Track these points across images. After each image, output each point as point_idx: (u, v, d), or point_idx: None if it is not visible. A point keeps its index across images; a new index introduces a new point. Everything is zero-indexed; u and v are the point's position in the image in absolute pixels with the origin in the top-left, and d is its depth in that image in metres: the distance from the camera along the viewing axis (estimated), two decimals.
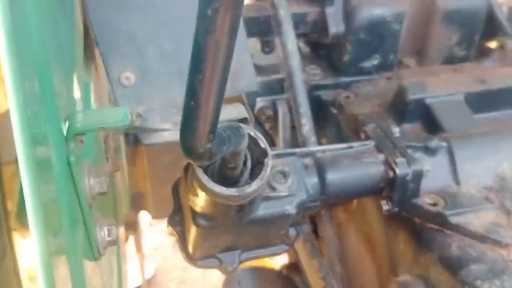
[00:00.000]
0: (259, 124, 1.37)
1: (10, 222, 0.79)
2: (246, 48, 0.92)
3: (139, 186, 1.54)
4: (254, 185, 0.69)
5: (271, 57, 1.29)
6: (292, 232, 0.92)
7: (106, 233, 0.54)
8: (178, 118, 0.82)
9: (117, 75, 0.77)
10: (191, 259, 0.92)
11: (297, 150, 0.86)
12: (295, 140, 1.19)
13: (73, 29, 0.66)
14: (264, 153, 0.71)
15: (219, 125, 0.51)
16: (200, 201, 0.75)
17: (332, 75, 1.24)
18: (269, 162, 0.71)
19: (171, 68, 0.80)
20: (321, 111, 1.22)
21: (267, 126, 1.36)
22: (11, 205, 0.84)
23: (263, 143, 0.71)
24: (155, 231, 2.78)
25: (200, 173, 0.66)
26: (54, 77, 0.44)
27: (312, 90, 1.23)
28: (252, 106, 1.31)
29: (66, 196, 0.44)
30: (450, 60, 1.26)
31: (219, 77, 0.43)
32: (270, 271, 1.40)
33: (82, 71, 0.69)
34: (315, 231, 1.14)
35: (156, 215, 1.65)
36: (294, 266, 1.37)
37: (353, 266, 1.13)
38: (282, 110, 1.29)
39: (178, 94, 0.82)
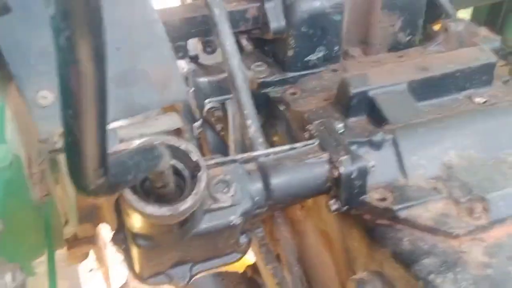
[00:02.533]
0: (209, 126, 1.34)
1: None
2: (172, 56, 0.88)
3: (91, 200, 1.48)
4: (188, 202, 0.65)
5: (217, 56, 1.25)
6: (243, 239, 0.89)
7: (11, 278, 0.49)
8: None
9: (33, 96, 0.72)
10: (139, 278, 0.88)
11: (238, 156, 0.82)
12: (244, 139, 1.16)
13: None
14: (197, 167, 0.68)
15: (127, 151, 0.48)
16: (135, 221, 0.71)
17: (279, 71, 1.20)
18: (203, 176, 0.68)
19: None
20: (270, 108, 1.19)
21: (218, 127, 1.33)
22: None
23: (194, 155, 0.68)
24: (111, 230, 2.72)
25: (127, 193, 0.62)
26: None
27: (260, 88, 1.19)
28: (201, 107, 1.27)
29: None
30: (396, 46, 1.24)
31: (94, 109, 0.39)
32: (233, 274, 1.37)
33: None
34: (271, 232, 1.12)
35: (114, 226, 1.60)
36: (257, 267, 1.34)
37: (313, 265, 1.11)
38: (231, 110, 1.26)
39: None
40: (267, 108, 1.19)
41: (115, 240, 0.87)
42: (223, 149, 1.34)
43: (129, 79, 0.76)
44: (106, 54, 0.37)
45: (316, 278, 1.10)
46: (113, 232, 0.86)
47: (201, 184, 0.67)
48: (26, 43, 0.69)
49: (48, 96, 0.72)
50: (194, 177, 0.68)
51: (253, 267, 1.37)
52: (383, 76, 0.98)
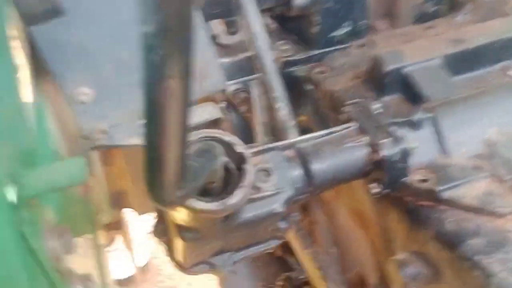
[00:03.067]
0: (233, 108, 1.32)
1: None
2: (209, 45, 0.86)
3: (119, 185, 1.49)
4: (237, 196, 0.65)
5: (238, 35, 1.22)
6: (282, 225, 0.89)
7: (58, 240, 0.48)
8: None
9: (73, 92, 0.71)
10: (181, 267, 0.89)
11: (277, 144, 0.81)
12: (273, 122, 1.14)
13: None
14: (242, 159, 0.67)
15: (192, 156, 0.46)
16: (182, 216, 0.70)
17: (303, 49, 1.17)
18: (249, 167, 0.66)
19: (131, 78, 0.73)
20: (295, 88, 1.17)
21: (242, 109, 1.30)
22: None
23: (239, 148, 0.67)
24: (144, 218, 2.75)
25: None
26: None
27: (284, 67, 1.17)
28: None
29: (18, 264, 0.39)
30: (422, 17, 1.20)
31: (180, 126, 0.37)
32: (264, 254, 1.38)
33: (31, 93, 0.62)
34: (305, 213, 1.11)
35: (140, 211, 1.60)
36: (287, 247, 1.35)
37: (347, 244, 1.11)
38: (256, 91, 1.23)
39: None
40: (292, 87, 1.17)
41: (156, 232, 0.86)
42: (247, 131, 1.32)
43: None
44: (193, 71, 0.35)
45: (351, 258, 1.10)
46: (153, 224, 0.86)
47: (248, 177, 0.66)
48: (64, 41, 0.67)
49: (88, 92, 0.71)
50: (239, 169, 0.67)
51: (283, 247, 1.37)
52: (417, 52, 0.95)
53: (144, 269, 2.61)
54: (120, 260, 2.31)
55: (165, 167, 0.40)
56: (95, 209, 1.06)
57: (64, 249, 0.46)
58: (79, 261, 0.68)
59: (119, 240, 1.81)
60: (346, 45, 1.15)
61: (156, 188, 0.43)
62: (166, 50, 0.31)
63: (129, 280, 2.39)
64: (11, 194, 0.38)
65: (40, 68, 0.67)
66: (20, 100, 0.53)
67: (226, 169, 0.67)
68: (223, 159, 0.59)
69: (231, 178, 0.67)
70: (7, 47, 0.55)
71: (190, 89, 0.36)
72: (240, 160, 0.67)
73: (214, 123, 0.91)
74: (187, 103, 0.37)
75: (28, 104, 0.57)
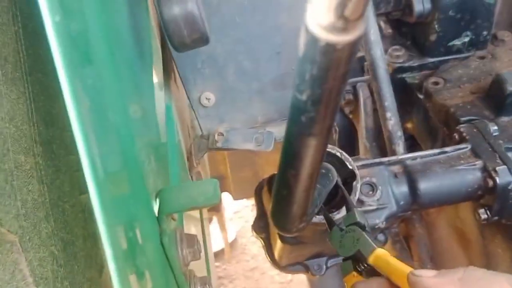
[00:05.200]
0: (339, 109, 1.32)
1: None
2: None
3: (220, 170, 1.56)
4: (343, 212, 0.66)
5: None
6: (380, 237, 0.89)
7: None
8: (259, 136, 0.80)
9: (198, 96, 0.76)
10: (277, 265, 0.92)
11: (384, 159, 0.81)
12: (378, 125, 1.13)
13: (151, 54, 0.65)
14: (352, 175, 0.68)
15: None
16: None
17: (418, 56, 1.14)
18: (358, 184, 0.68)
19: (251, 86, 0.77)
20: (406, 95, 1.14)
21: (347, 110, 1.30)
22: None
23: (350, 164, 0.68)
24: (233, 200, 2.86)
25: None
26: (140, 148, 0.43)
27: (396, 72, 1.15)
28: None
29: (158, 267, 0.44)
30: None
31: (312, 174, 0.40)
32: None
33: (163, 95, 0.68)
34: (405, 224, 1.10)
35: (236, 196, 1.67)
36: None
37: (444, 260, 1.08)
38: (363, 94, 1.22)
39: (259, 111, 0.79)
40: (401, 94, 1.14)
41: (256, 228, 0.90)
42: (350, 132, 1.32)
43: (286, 83, 0.76)
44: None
45: None
46: (254, 220, 0.90)
47: (356, 193, 0.67)
48: (195, 50, 0.72)
49: (211, 97, 0.75)
50: (346, 183, 0.68)
51: None
52: None
53: (232, 245, 2.72)
54: (213, 237, 2.43)
55: (293, 204, 0.43)
56: None
57: (192, 257, 0.51)
58: (197, 264, 0.74)
59: (215, 220, 1.90)
60: (465, 55, 1.11)
61: (283, 220, 0.46)
62: (313, 115, 0.33)
63: (218, 255, 2.50)
64: (156, 208, 0.43)
65: (169, 68, 0.73)
66: (155, 102, 0.58)
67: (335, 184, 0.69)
68: (337, 180, 0.61)
69: (337, 192, 0.69)
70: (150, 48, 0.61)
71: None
72: (349, 175, 0.68)
73: None
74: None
75: (161, 105, 0.62)
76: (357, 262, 0.57)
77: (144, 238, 0.40)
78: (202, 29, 0.52)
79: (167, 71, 0.71)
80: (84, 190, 0.75)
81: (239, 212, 2.97)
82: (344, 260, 0.58)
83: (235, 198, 1.64)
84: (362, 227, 0.58)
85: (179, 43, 0.53)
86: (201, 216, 1.01)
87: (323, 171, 0.57)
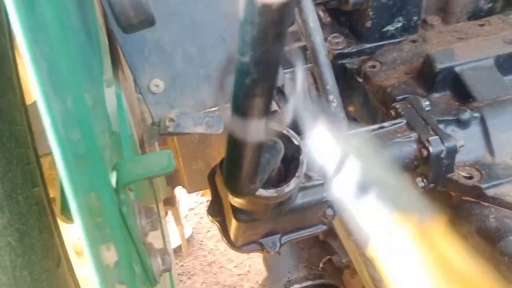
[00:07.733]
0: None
1: (56, 218, 0.82)
2: None
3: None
4: (292, 184, 0.70)
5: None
6: (329, 212, 0.94)
7: (160, 262, 0.57)
8: (210, 119, 0.83)
9: (147, 84, 0.78)
10: (233, 245, 0.96)
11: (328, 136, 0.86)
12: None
13: (99, 40, 0.66)
14: (298, 150, 0.72)
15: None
16: (239, 199, 0.77)
17: (355, 42, 1.21)
18: (304, 159, 0.72)
19: (198, 72, 0.80)
20: (346, 80, 1.21)
21: None
22: (54, 194, 0.87)
23: (296, 140, 0.72)
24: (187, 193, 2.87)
25: None
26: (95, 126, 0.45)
27: (336, 59, 1.21)
28: None
29: (120, 238, 0.46)
30: (476, 14, 1.21)
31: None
32: (308, 238, 1.44)
33: (113, 83, 0.70)
34: None
35: (191, 189, 1.69)
36: (330, 231, 1.40)
37: None
38: (306, 81, 1.28)
39: (207, 96, 0.83)
40: (342, 79, 1.21)
41: (211, 212, 0.93)
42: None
43: (233, 67, 0.79)
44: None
45: None
46: (209, 205, 0.93)
47: (303, 167, 0.71)
48: (140, 36, 0.74)
49: (159, 84, 0.78)
50: (294, 159, 0.73)
51: (327, 232, 1.43)
52: (469, 51, 0.97)
53: (188, 241, 2.73)
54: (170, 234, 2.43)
55: (244, 166, 0.47)
56: (156, 186, 1.15)
57: (150, 227, 0.54)
58: (154, 235, 0.76)
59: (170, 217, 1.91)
60: (398, 39, 1.18)
61: (234, 183, 0.49)
62: (257, 76, 0.37)
63: (175, 252, 2.51)
64: (113, 180, 0.46)
65: (116, 59, 0.75)
66: (104, 89, 0.60)
67: (282, 159, 0.73)
68: (283, 151, 0.65)
69: (286, 168, 0.73)
70: (99, 40, 0.63)
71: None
72: (296, 151, 0.73)
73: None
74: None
75: (110, 92, 0.64)
76: None
77: (105, 209, 0.43)
78: (148, 10, 0.55)
79: (115, 63, 0.73)
80: (36, 183, 0.76)
81: (194, 209, 2.98)
82: None
83: (189, 191, 1.66)
84: None
85: (126, 24, 0.56)
86: (157, 206, 1.03)
87: (270, 143, 0.61)
